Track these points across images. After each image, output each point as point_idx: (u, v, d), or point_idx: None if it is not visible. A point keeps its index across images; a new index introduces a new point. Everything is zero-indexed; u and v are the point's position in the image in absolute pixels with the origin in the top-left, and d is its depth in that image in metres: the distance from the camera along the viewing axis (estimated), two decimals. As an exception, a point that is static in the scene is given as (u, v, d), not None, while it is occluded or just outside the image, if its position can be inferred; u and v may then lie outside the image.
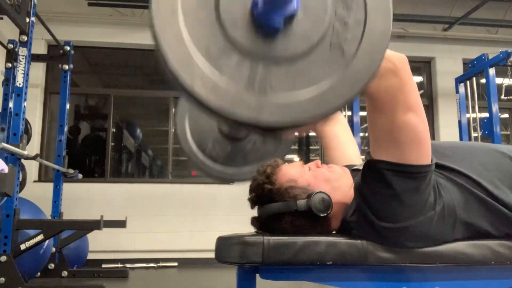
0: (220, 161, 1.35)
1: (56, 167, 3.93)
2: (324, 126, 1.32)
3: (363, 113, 4.61)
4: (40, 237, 2.90)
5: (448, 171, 1.00)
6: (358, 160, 1.35)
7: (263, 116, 0.71)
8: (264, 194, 1.05)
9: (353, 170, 1.16)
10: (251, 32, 0.73)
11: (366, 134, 6.39)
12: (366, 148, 5.16)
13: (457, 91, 4.58)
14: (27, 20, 2.93)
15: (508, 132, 6.40)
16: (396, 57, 0.85)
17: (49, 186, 4.07)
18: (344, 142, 1.35)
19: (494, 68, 4.13)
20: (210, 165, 1.34)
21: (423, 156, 0.90)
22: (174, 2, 0.71)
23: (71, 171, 4.04)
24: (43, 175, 5.27)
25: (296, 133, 0.76)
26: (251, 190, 1.09)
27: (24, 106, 2.91)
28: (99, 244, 4.68)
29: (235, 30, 0.72)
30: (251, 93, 0.71)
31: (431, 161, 0.92)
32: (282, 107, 0.71)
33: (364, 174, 0.96)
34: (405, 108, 0.87)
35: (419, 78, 6.25)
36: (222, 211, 5.23)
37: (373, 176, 0.92)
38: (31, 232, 3.01)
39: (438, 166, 0.98)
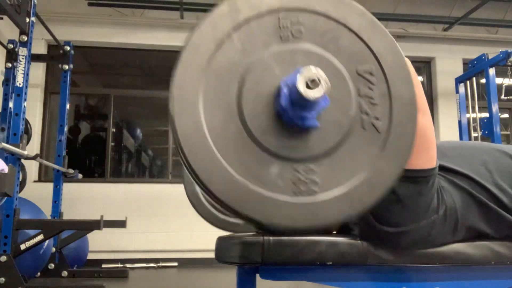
0: None
1: (56, 167, 3.93)
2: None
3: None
4: (40, 237, 2.90)
5: (450, 173, 1.00)
6: None
7: (321, 219, 0.70)
8: None
9: None
10: (282, 135, 0.71)
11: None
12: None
13: (457, 91, 4.58)
14: (27, 20, 2.93)
15: (508, 132, 6.40)
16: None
17: (49, 186, 4.06)
18: None
19: (494, 68, 4.13)
20: (234, 221, 1.29)
21: (429, 160, 0.90)
22: (198, 124, 0.69)
23: (71, 171, 4.04)
24: (43, 175, 5.27)
25: None
26: None
27: (24, 106, 2.91)
28: (99, 244, 4.68)
29: (267, 139, 0.70)
30: (301, 197, 0.69)
31: (435, 164, 0.91)
32: (336, 203, 0.70)
33: None
34: None
35: (419, 78, 6.25)
36: (222, 211, 5.22)
37: None
38: (31, 232, 3.01)
39: (440, 167, 0.97)
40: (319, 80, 0.66)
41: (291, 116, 0.68)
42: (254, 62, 0.72)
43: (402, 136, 0.74)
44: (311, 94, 0.65)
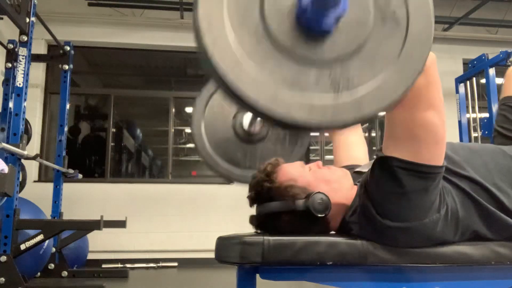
0: (230, 160, 1.36)
1: (56, 167, 3.93)
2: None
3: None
4: (40, 237, 2.90)
5: (451, 174, 1.00)
6: (364, 161, 1.33)
7: (363, 111, 0.66)
8: (263, 192, 1.05)
9: (355, 172, 1.15)
10: (307, 41, 0.68)
11: (366, 134, 6.38)
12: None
13: (457, 91, 4.58)
14: (27, 20, 2.93)
15: (508, 132, 6.39)
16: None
17: (49, 186, 4.06)
18: (352, 142, 1.34)
19: (494, 68, 4.12)
20: (219, 162, 1.35)
21: (437, 156, 0.90)
22: (221, 21, 0.63)
23: (71, 171, 4.04)
24: (43, 175, 5.27)
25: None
26: (251, 187, 1.08)
27: (24, 106, 2.91)
28: (99, 244, 4.68)
29: (285, 39, 0.67)
30: (341, 94, 0.67)
31: (443, 163, 0.92)
32: (372, 95, 0.68)
33: (374, 171, 0.94)
34: (427, 105, 0.87)
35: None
36: (222, 211, 5.22)
37: (384, 173, 0.91)
38: (31, 232, 3.01)
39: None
40: None
41: (309, 16, 0.66)
42: None
43: (420, 21, 0.72)
44: None
